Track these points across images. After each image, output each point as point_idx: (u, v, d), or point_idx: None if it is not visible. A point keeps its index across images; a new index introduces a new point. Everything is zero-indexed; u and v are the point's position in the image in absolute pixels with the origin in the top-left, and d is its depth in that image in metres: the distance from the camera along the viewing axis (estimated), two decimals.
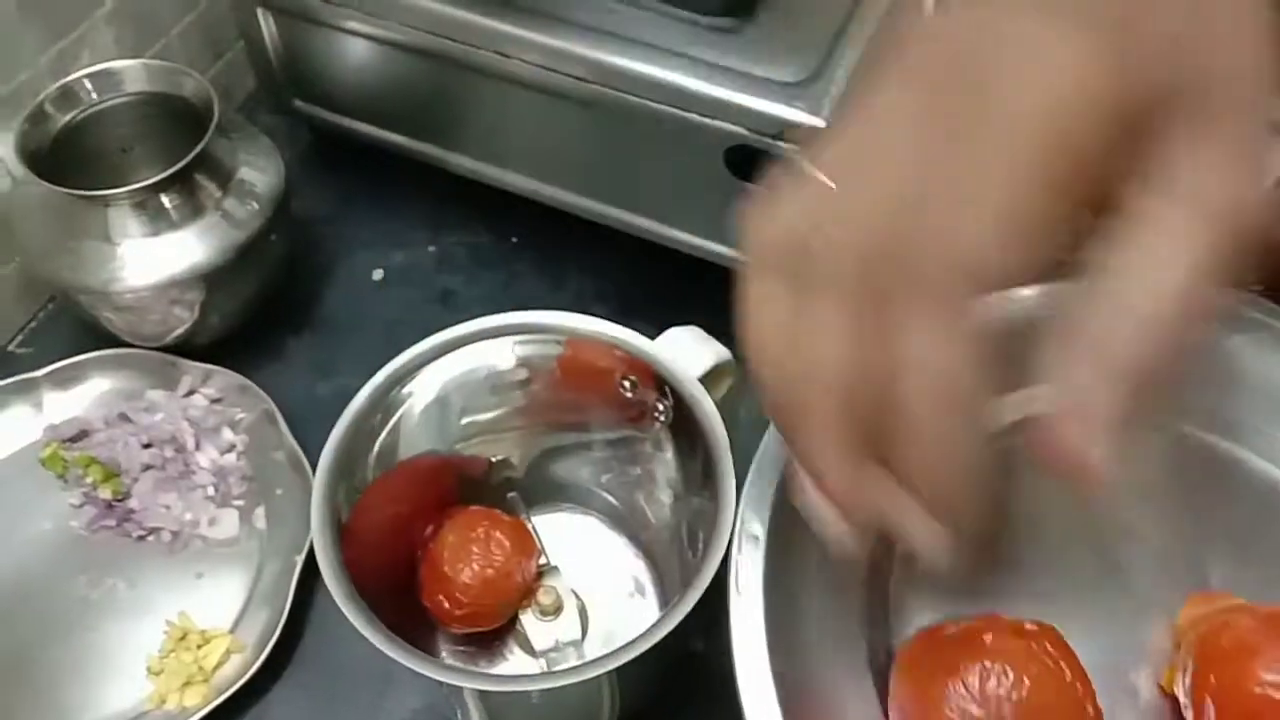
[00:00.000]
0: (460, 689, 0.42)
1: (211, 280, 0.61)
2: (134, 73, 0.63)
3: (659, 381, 0.48)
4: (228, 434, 0.63)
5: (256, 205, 0.62)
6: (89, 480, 0.62)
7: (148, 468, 0.62)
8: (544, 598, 0.53)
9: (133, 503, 0.61)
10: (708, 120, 0.58)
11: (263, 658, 0.55)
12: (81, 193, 0.58)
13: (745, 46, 0.58)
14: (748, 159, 0.57)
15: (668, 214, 0.65)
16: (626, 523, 0.57)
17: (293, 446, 0.61)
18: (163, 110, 0.64)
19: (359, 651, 0.56)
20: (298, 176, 0.66)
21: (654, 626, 0.40)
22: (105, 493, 0.61)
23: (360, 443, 0.47)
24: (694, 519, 0.48)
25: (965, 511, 0.23)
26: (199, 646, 0.56)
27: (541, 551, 0.54)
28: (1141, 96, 0.23)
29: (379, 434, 0.48)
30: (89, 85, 0.62)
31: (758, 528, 0.37)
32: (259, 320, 0.67)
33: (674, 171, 0.62)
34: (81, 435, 0.64)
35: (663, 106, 0.59)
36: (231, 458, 0.63)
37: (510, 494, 0.56)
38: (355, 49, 0.67)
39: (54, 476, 0.62)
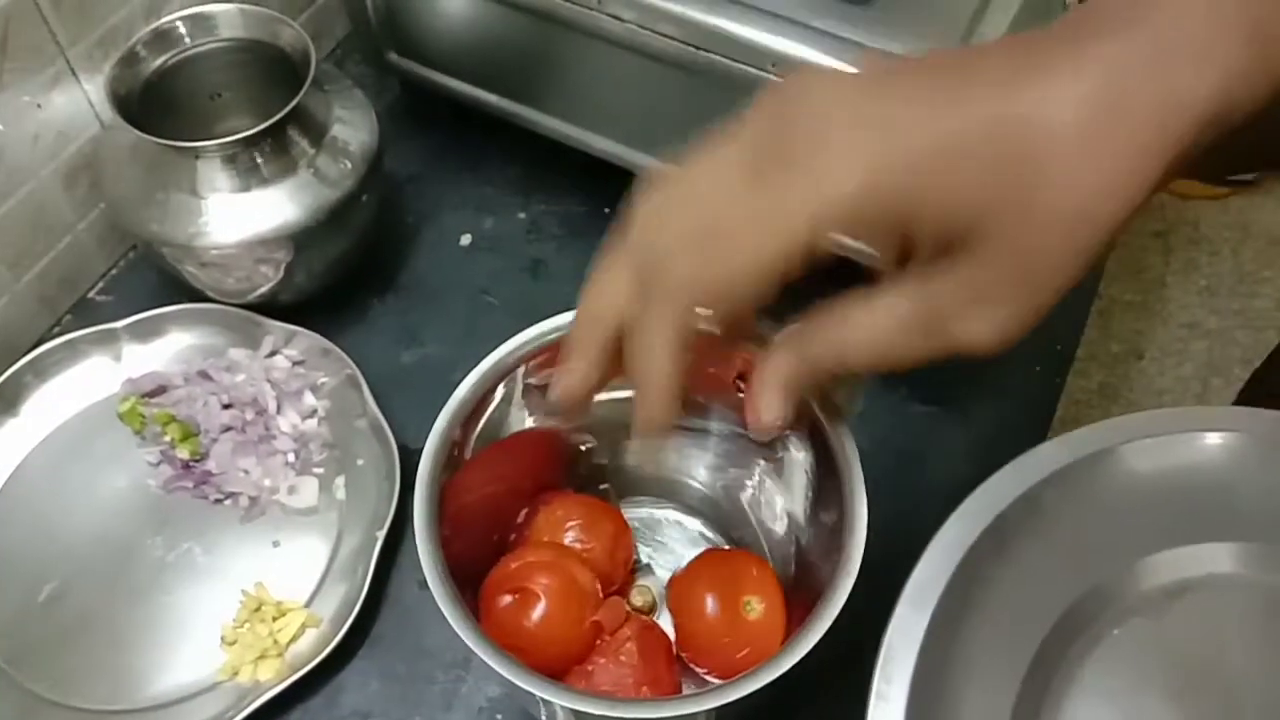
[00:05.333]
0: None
1: (300, 240, 0.59)
2: (229, 17, 0.61)
3: None
4: (310, 398, 0.61)
5: (349, 164, 0.60)
6: (167, 438, 0.60)
7: (227, 429, 0.60)
8: (637, 598, 0.50)
9: (210, 464, 0.59)
10: None
11: (339, 636, 0.53)
12: (172, 143, 0.56)
13: (876, 21, 0.54)
14: None
15: None
16: (721, 521, 0.54)
17: (375, 415, 0.59)
18: (256, 57, 0.61)
19: (437, 634, 0.56)
20: (385, 132, 0.63)
21: (766, 666, 0.37)
22: (183, 452, 0.59)
23: (462, 424, 0.44)
24: (810, 537, 0.46)
25: (653, 413, 0.34)
26: (274, 619, 0.55)
27: (635, 547, 0.52)
28: (908, 219, 0.28)
29: (485, 411, 0.45)
30: (183, 28, 0.60)
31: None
32: (344, 281, 0.65)
33: None
34: (160, 390, 0.62)
35: (781, 80, 0.55)
36: (313, 423, 0.61)
37: (603, 485, 0.54)
38: (455, 2, 0.64)
39: (131, 432, 0.61)
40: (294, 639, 0.54)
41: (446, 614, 0.39)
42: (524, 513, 0.50)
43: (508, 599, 0.46)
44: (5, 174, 0.59)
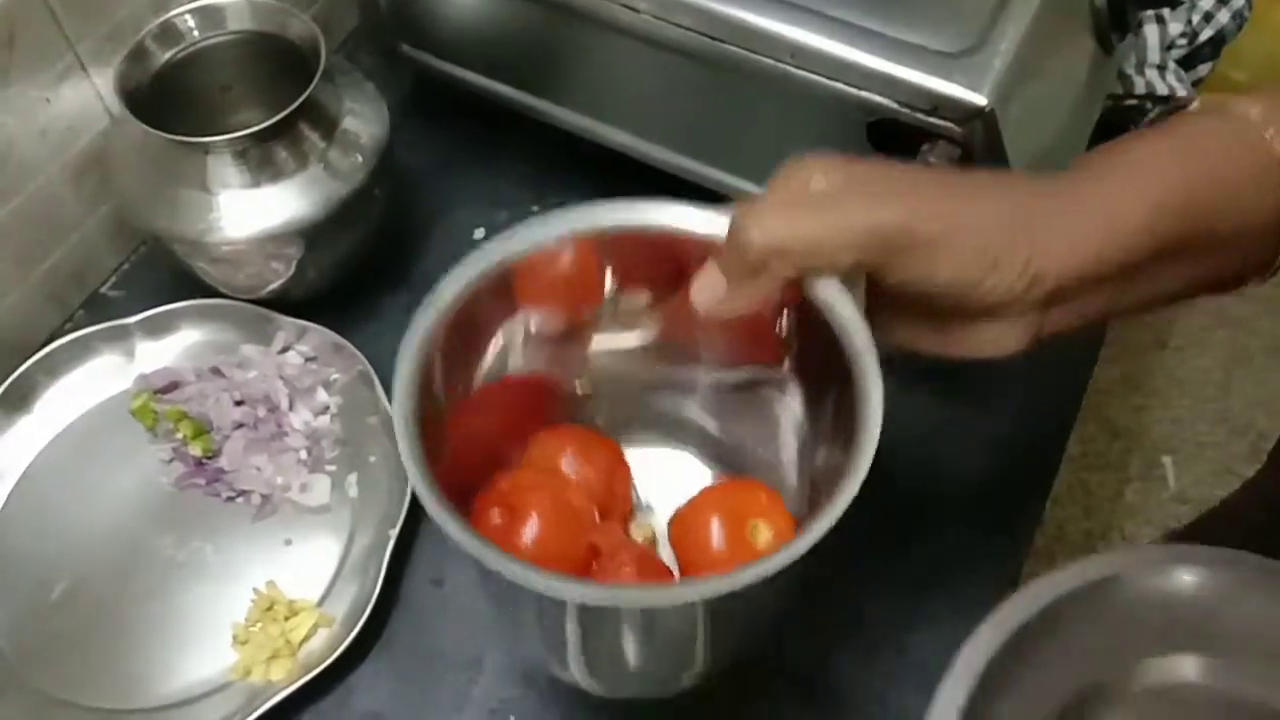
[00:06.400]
0: (560, 616, 0.38)
1: (311, 235, 0.58)
2: (237, 10, 0.60)
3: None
4: (322, 395, 0.61)
5: (360, 157, 0.59)
6: (179, 435, 0.60)
7: (239, 426, 0.60)
8: (636, 533, 0.48)
9: (223, 462, 0.59)
10: (850, 89, 0.53)
11: (352, 636, 0.52)
12: (181, 138, 0.55)
13: (897, 9, 0.53)
14: (894, 135, 0.52)
15: None
16: (726, 460, 0.52)
17: (388, 411, 0.59)
18: (266, 50, 0.61)
19: (449, 635, 0.55)
20: (397, 125, 0.62)
21: (764, 561, 0.34)
22: (195, 449, 0.59)
23: (449, 329, 0.43)
24: (819, 471, 0.43)
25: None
26: (286, 618, 0.54)
27: (633, 486, 0.49)
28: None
29: (484, 351, 0.44)
30: (191, 22, 0.59)
31: None
32: (356, 276, 0.65)
33: (806, 143, 0.56)
34: (172, 387, 0.62)
35: (799, 71, 0.54)
36: (325, 420, 0.60)
37: (600, 418, 0.51)
38: None
39: (143, 429, 0.61)
40: (306, 639, 0.54)
41: (426, 502, 0.36)
42: (517, 452, 0.48)
43: (498, 517, 0.43)
44: (14, 169, 0.59)
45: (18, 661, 0.54)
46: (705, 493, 0.49)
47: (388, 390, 0.59)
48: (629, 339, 0.48)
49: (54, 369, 0.61)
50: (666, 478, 0.52)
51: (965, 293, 0.36)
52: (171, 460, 0.60)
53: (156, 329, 0.63)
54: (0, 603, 0.55)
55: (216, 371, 0.61)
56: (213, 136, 0.55)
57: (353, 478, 0.59)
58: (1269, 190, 0.37)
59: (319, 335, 0.62)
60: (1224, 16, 0.68)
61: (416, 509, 0.56)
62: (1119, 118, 0.67)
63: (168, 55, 0.59)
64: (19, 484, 0.59)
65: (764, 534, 0.44)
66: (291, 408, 0.60)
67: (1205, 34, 0.68)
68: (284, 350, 0.62)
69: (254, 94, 0.64)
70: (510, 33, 0.63)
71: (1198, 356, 1.59)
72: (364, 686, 0.54)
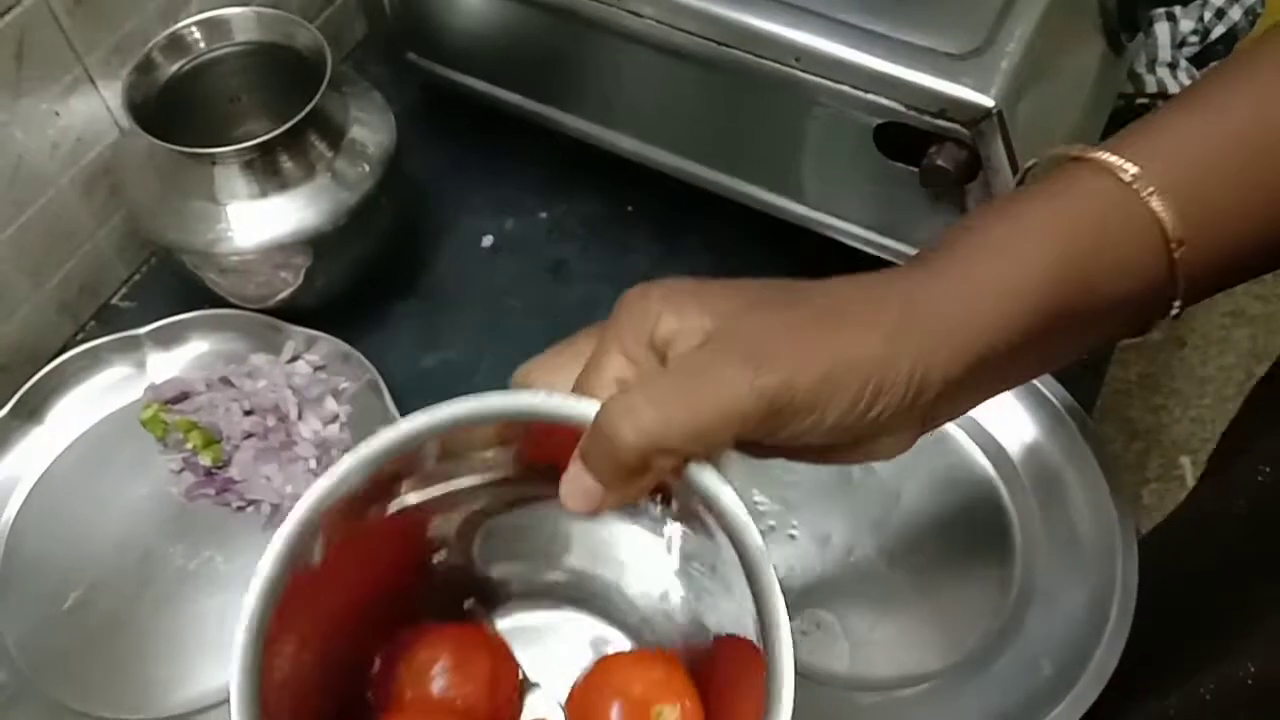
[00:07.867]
0: None
1: (319, 244, 0.58)
2: (244, 21, 0.60)
3: None
4: (331, 404, 0.61)
5: (367, 167, 0.59)
6: (189, 445, 0.60)
7: (249, 436, 0.60)
8: None
9: (233, 472, 0.59)
10: (857, 92, 0.52)
11: None
12: (188, 150, 0.55)
13: (904, 11, 0.53)
14: (902, 138, 0.52)
15: (802, 192, 0.60)
16: (608, 613, 0.46)
17: (397, 419, 0.59)
18: (273, 60, 0.61)
19: None
20: (405, 133, 0.62)
21: None
22: (205, 459, 0.59)
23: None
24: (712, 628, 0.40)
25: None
26: None
27: (519, 670, 0.45)
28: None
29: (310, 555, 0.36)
30: (198, 33, 0.60)
31: None
32: (364, 285, 0.65)
33: (813, 146, 0.57)
34: (182, 397, 0.62)
35: (805, 74, 0.54)
36: (335, 429, 0.60)
37: (467, 602, 0.46)
38: (473, 1, 0.63)
39: (154, 439, 0.61)
40: None
41: None
42: (378, 661, 0.43)
43: None
44: (25, 182, 0.59)
45: (30, 670, 0.54)
46: (602, 668, 0.44)
47: (397, 399, 0.59)
48: (473, 480, 0.41)
49: (65, 380, 0.62)
50: (557, 644, 0.47)
51: (849, 427, 0.33)
52: (182, 470, 0.60)
53: (167, 339, 0.63)
54: (13, 612, 0.56)
55: (226, 381, 0.62)
56: (220, 148, 0.55)
57: None
58: (1150, 252, 0.35)
59: (328, 344, 0.62)
60: (1236, 13, 0.67)
61: None
62: (1130, 117, 0.66)
63: (175, 67, 0.59)
64: (31, 494, 0.59)
65: (670, 719, 0.41)
66: (301, 417, 0.60)
67: (1217, 31, 0.67)
68: (293, 359, 0.62)
69: (262, 104, 0.64)
70: (517, 40, 0.63)
71: (1218, 355, 1.57)
72: None
